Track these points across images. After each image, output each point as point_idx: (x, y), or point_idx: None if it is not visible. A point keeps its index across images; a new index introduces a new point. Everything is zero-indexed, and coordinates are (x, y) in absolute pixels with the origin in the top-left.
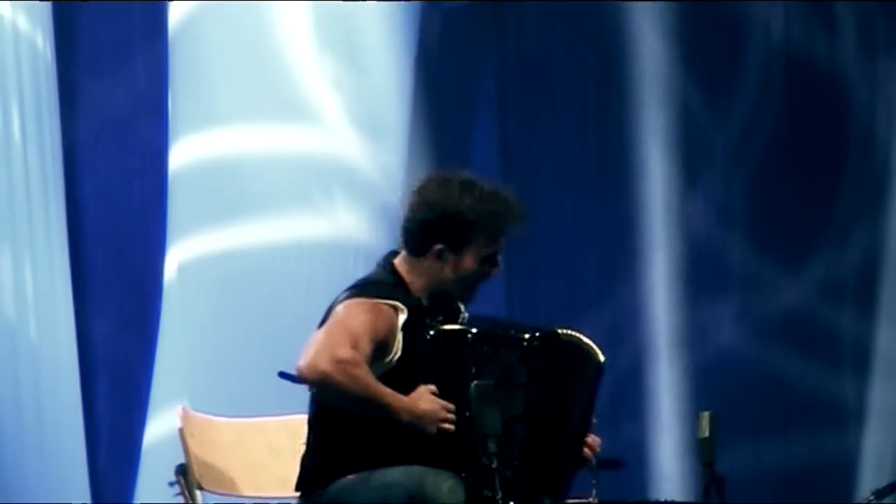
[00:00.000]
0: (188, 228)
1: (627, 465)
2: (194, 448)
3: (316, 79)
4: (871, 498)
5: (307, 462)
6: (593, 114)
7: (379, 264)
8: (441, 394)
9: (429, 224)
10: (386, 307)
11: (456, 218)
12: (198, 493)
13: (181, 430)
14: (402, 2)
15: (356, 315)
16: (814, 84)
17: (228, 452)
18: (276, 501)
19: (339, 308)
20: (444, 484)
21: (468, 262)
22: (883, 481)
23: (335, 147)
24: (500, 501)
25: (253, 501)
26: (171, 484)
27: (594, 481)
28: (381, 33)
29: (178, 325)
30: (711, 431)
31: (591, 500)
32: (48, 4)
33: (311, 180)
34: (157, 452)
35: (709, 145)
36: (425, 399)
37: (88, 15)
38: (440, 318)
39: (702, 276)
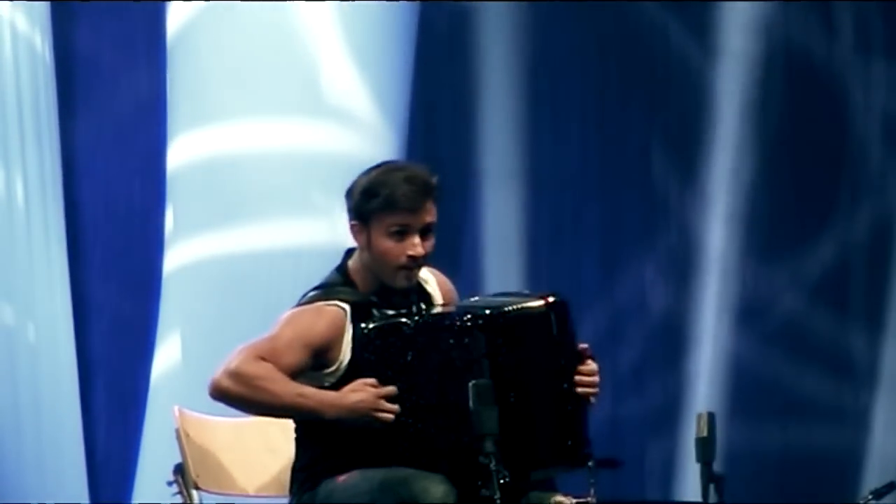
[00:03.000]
0: (187, 229)
1: (625, 464)
2: (191, 448)
3: (315, 79)
4: (870, 497)
5: (294, 464)
6: (594, 113)
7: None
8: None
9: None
10: (329, 308)
11: (353, 190)
12: (194, 492)
13: (178, 430)
14: (402, 2)
15: (287, 325)
16: (811, 83)
17: (226, 452)
18: (274, 501)
19: (277, 321)
20: (433, 488)
21: (377, 237)
22: (883, 480)
23: (334, 148)
24: (497, 501)
25: (250, 501)
26: (170, 483)
27: (592, 481)
28: (380, 33)
29: (176, 326)
30: (710, 431)
31: (589, 499)
32: (46, 4)
33: (310, 181)
34: (155, 452)
35: (708, 144)
36: (358, 391)
37: (87, 15)
38: (387, 312)
39: (702, 275)
